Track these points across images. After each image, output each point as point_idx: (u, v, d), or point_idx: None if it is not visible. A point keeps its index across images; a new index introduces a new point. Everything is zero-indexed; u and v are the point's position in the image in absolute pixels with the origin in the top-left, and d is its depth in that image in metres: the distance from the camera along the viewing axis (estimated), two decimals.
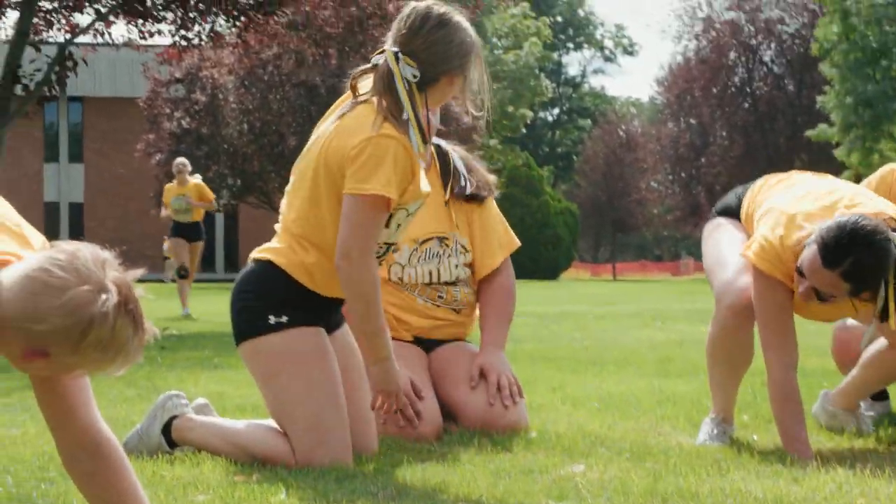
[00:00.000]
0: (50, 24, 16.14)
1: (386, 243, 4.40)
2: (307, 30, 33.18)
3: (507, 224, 5.47)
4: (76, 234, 47.91)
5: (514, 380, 5.13)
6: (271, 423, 4.40)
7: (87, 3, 15.63)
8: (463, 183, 5.30)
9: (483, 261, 5.33)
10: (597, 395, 6.31)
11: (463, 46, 4.29)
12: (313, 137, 4.43)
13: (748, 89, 57.44)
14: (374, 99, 4.24)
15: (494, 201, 5.44)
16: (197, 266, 16.47)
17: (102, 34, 16.49)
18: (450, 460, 4.30)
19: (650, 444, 4.64)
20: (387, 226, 4.32)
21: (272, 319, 4.31)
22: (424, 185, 4.36)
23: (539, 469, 4.07)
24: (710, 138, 58.00)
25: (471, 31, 4.36)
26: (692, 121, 58.84)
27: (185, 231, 16.18)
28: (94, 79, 46.42)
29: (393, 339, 5.09)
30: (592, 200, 63.80)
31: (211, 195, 16.37)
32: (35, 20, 15.64)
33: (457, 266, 5.28)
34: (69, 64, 15.45)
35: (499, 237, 5.38)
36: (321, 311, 4.42)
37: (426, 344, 5.25)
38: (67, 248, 2.62)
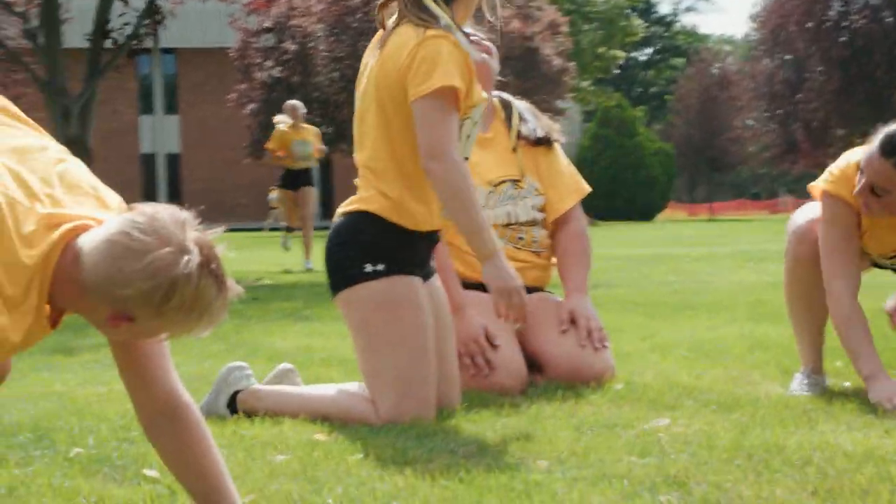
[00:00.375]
0: None
1: (462, 157, 4.31)
2: None
3: (575, 170, 5.47)
4: (173, 185, 48.37)
5: (601, 327, 5.09)
6: (346, 386, 4.37)
7: None
8: (532, 127, 5.33)
9: (555, 205, 5.31)
10: (687, 343, 6.21)
11: None
12: (362, 80, 4.38)
13: (844, 22, 56.39)
14: (406, 18, 4.22)
15: (560, 148, 5.40)
16: (317, 210, 16.10)
17: None
18: (531, 415, 4.23)
19: (738, 394, 4.54)
20: (458, 139, 4.26)
21: (368, 268, 4.25)
22: (480, 89, 4.32)
23: (623, 423, 3.99)
24: (806, 74, 57.05)
25: None
26: (787, 56, 57.89)
27: (297, 178, 15.19)
28: (187, 30, 46.65)
29: (473, 286, 5.05)
30: (687, 140, 63.16)
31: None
32: None
33: (532, 207, 5.27)
34: (157, 17, 15.49)
35: (568, 182, 5.36)
36: (417, 259, 4.35)
37: None
38: (147, 209, 2.58)
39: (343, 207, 4.40)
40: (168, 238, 2.52)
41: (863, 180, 4.29)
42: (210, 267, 2.56)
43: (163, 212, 2.58)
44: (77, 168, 2.82)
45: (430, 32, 4.15)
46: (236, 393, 4.39)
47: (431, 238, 4.40)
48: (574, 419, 4.11)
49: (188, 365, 5.86)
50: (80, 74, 15.12)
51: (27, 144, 2.80)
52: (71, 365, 6.18)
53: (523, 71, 34.78)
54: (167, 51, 48.24)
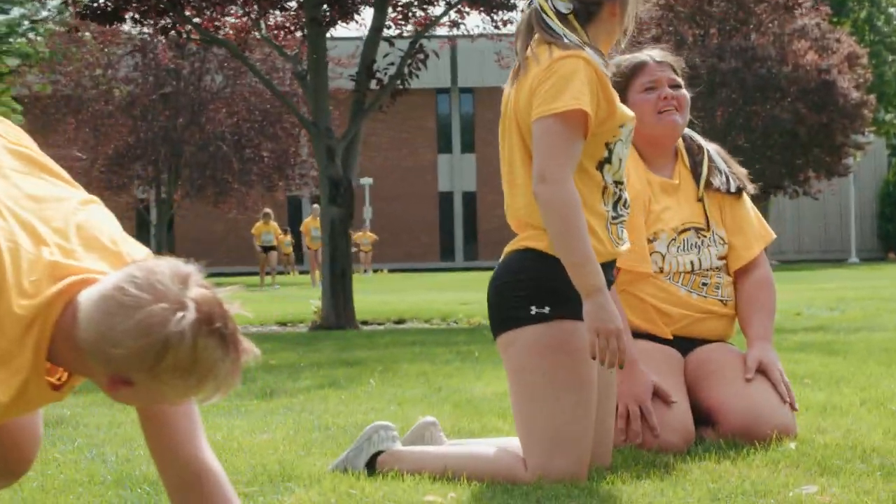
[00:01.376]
0: (406, 18, 16.31)
1: (616, 182, 4.05)
2: (685, 10, 32.59)
3: (760, 215, 5.13)
4: (469, 223, 48.87)
5: (788, 381, 4.72)
6: (495, 441, 4.13)
7: None
8: (724, 179, 5.01)
9: (740, 252, 4.97)
10: None
11: None
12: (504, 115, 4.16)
13: None
14: (534, 42, 3.98)
15: (748, 195, 5.07)
16: None
17: (458, 25, 16.58)
18: (675, 476, 3.90)
19: None
20: (608, 162, 4.00)
21: (532, 310, 3.98)
22: (625, 108, 4.04)
23: (765, 490, 3.63)
24: None
25: None
26: None
27: None
28: (484, 70, 47.14)
29: (650, 336, 4.75)
30: None
31: None
32: (391, 14, 15.83)
33: (717, 256, 4.94)
34: (420, 56, 15.57)
35: (754, 228, 5.03)
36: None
37: (685, 345, 4.84)
38: (147, 263, 2.41)
39: (509, 246, 4.15)
40: (164, 293, 2.35)
41: None
42: (213, 326, 2.36)
43: (164, 265, 2.40)
44: (100, 220, 2.67)
45: (561, 52, 3.90)
46: (377, 453, 4.18)
47: (606, 273, 4.06)
48: (717, 483, 3.76)
49: (383, 410, 5.73)
50: (345, 115, 15.31)
51: (46, 193, 2.67)
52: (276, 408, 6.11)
53: (819, 104, 33.74)
54: (465, 90, 48.87)
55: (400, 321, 14.64)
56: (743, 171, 5.08)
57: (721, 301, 4.88)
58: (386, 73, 15.55)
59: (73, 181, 2.84)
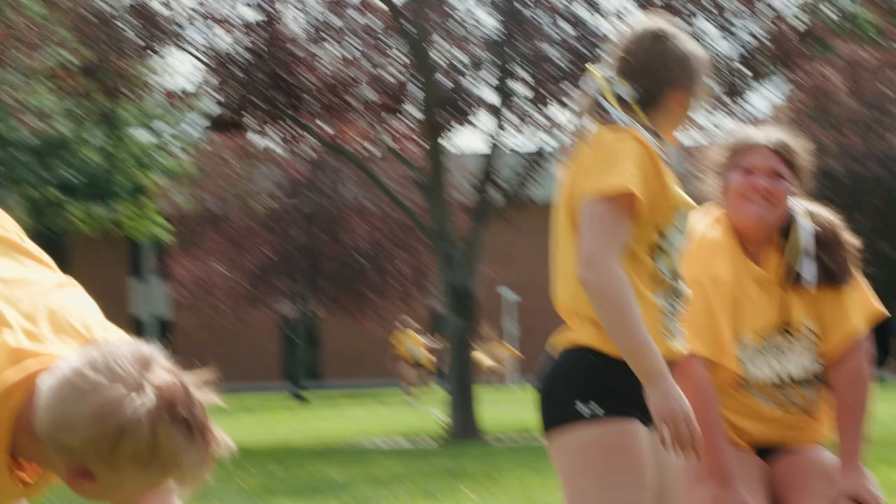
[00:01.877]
0: (523, 120, 16.23)
1: (671, 272, 3.76)
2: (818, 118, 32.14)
3: (868, 290, 4.51)
4: None
5: None
6: None
7: (558, 103, 15.60)
8: (811, 269, 4.42)
9: (833, 337, 4.41)
10: None
11: (685, 57, 3.80)
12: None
13: None
14: (596, 122, 3.74)
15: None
16: None
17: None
18: None
19: None
20: (661, 249, 3.71)
21: (582, 408, 3.72)
22: (682, 193, 3.75)
23: None
24: None
25: (693, 43, 3.85)
26: None
27: None
28: None
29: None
30: None
31: None
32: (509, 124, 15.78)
33: (807, 358, 4.39)
34: (541, 165, 15.49)
35: (856, 307, 4.43)
36: (642, 399, 3.78)
37: (767, 453, 4.48)
38: (108, 345, 2.23)
39: (559, 338, 3.90)
40: (121, 377, 2.15)
41: None
42: (175, 412, 2.15)
43: (125, 347, 2.21)
44: (75, 304, 2.50)
45: (614, 133, 3.67)
46: None
47: None
48: None
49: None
50: (466, 223, 15.26)
51: (17, 276, 2.51)
52: None
53: None
54: None
55: (525, 432, 14.34)
56: (854, 256, 4.46)
57: (808, 415, 4.45)
58: (509, 182, 15.49)
59: (53, 265, 2.69)
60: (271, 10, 14.75)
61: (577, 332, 3.75)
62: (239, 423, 19.77)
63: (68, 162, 41.47)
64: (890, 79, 34.16)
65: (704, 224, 4.43)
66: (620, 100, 3.81)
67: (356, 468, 8.53)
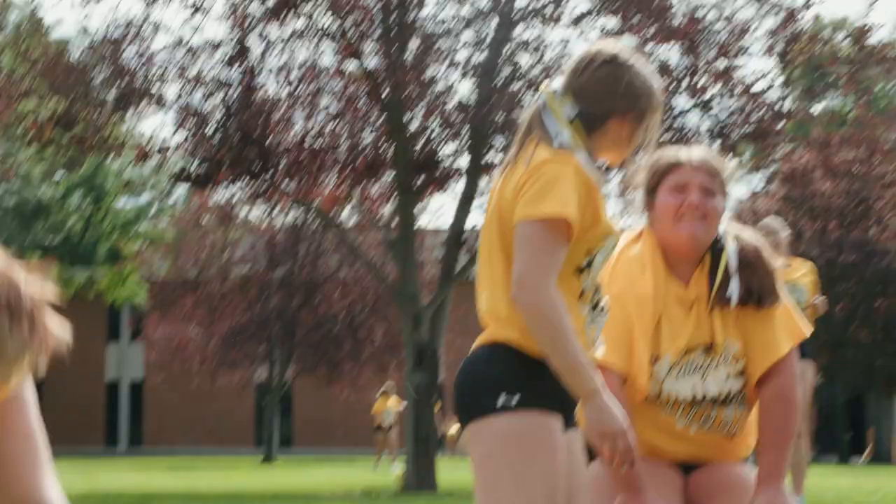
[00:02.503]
0: None
1: (594, 287, 3.83)
2: (802, 205, 32.42)
3: (794, 310, 4.55)
4: None
5: None
6: None
7: None
8: (734, 287, 4.43)
9: (758, 357, 4.42)
10: None
11: (634, 86, 3.78)
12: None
13: None
14: (534, 137, 3.79)
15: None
16: None
17: None
18: None
19: None
20: (588, 268, 3.78)
21: (500, 400, 3.81)
22: (611, 221, 3.81)
23: None
24: None
25: (650, 74, 3.85)
26: None
27: None
28: None
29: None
30: None
31: None
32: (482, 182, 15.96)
33: (727, 377, 4.44)
34: None
35: (781, 328, 4.46)
36: (559, 396, 3.85)
37: (686, 468, 4.54)
38: None
39: (479, 339, 4.01)
40: None
41: None
42: None
43: None
44: None
45: (553, 154, 3.72)
46: None
47: None
48: None
49: None
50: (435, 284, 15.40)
51: None
52: None
53: None
54: None
55: None
56: (776, 275, 4.44)
57: (727, 436, 4.45)
58: (475, 241, 15.63)
59: None
60: (247, 70, 14.94)
61: (497, 330, 3.85)
62: (199, 476, 19.78)
63: (50, 225, 41.59)
64: (865, 162, 34.53)
65: (626, 240, 4.51)
66: (564, 118, 3.86)
67: None
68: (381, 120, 15.11)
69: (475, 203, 15.48)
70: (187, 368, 35.32)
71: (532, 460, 3.72)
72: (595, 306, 3.89)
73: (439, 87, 14.48)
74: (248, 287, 34.40)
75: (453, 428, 35.05)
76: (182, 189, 41.75)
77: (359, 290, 34.14)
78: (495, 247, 3.88)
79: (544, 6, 15.29)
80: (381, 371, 34.71)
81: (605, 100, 3.78)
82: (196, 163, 14.92)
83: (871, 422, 34.38)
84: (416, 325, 14.60)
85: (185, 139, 15.04)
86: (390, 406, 28.92)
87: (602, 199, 3.80)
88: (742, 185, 47.03)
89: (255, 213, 32.61)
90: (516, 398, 3.75)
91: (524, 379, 3.77)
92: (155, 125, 19.48)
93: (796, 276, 10.42)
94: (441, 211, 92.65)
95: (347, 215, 29.48)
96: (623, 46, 3.88)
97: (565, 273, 3.81)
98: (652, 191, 4.45)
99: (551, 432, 3.73)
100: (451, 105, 14.36)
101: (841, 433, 38.98)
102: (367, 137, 15.38)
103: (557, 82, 3.86)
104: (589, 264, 3.81)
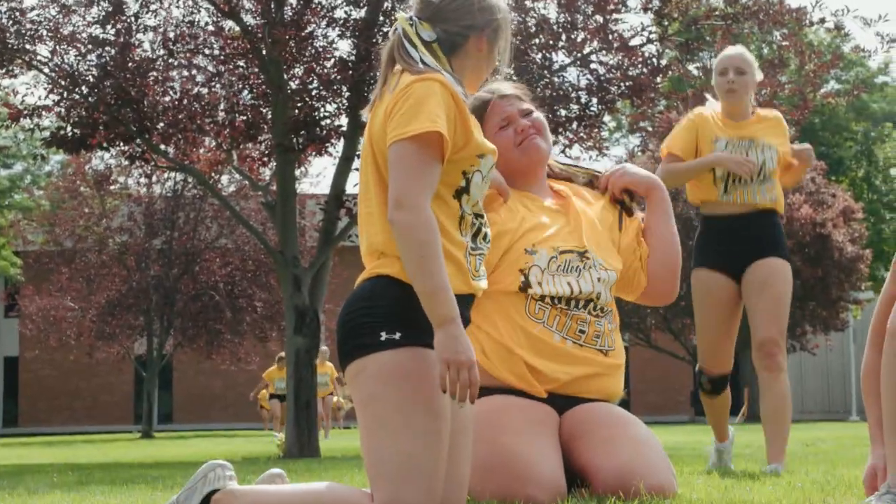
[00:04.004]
0: None
1: (475, 214, 3.83)
2: None
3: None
4: None
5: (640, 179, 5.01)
6: (336, 484, 3.83)
7: None
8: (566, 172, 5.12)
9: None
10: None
11: (491, 9, 3.88)
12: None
13: None
14: (401, 66, 3.81)
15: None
16: None
17: None
18: None
19: None
20: (466, 192, 3.78)
21: (383, 336, 3.72)
22: (485, 140, 3.84)
23: None
24: None
25: None
26: None
27: None
28: None
29: (522, 394, 4.46)
30: None
31: None
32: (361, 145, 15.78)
33: (599, 280, 4.71)
34: None
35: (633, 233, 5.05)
36: None
37: (561, 403, 4.56)
38: None
39: (361, 276, 3.90)
40: None
41: None
42: None
43: None
44: None
45: (419, 75, 3.74)
46: (212, 493, 3.88)
47: (462, 307, 3.79)
48: None
49: None
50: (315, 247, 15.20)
51: None
52: None
53: (814, 258, 33.61)
54: None
55: None
56: (591, 165, 5.25)
57: (601, 351, 4.61)
58: (356, 205, 15.41)
59: None
60: (122, 28, 14.60)
61: (380, 265, 3.77)
62: (77, 450, 19.48)
63: None
64: None
65: None
66: (424, 42, 3.86)
67: (179, 475, 8.40)
68: (260, 80, 14.87)
69: (355, 164, 15.29)
70: (64, 343, 34.69)
71: (417, 395, 3.64)
72: (477, 234, 3.82)
73: (318, 44, 14.26)
74: (125, 257, 33.86)
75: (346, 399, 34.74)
76: (58, 158, 41.00)
77: (239, 258, 33.79)
78: (372, 181, 3.82)
79: None
80: (262, 341, 34.41)
81: (463, 17, 3.85)
82: (70, 126, 14.56)
83: (746, 382, 34.96)
84: (297, 288, 14.39)
85: (59, 100, 14.67)
86: (328, 371, 27.96)
87: (472, 119, 3.78)
88: (620, 146, 47.47)
89: (133, 180, 32.12)
90: (398, 334, 3.67)
91: (405, 313, 3.68)
92: (27, 85, 19.13)
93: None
94: (322, 176, 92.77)
95: (227, 181, 29.14)
96: None
97: (442, 195, 3.75)
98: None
99: (435, 368, 3.64)
100: (330, 63, 14.14)
101: None
102: (247, 97, 15.13)
103: (414, 10, 3.91)
104: (466, 186, 3.77)
